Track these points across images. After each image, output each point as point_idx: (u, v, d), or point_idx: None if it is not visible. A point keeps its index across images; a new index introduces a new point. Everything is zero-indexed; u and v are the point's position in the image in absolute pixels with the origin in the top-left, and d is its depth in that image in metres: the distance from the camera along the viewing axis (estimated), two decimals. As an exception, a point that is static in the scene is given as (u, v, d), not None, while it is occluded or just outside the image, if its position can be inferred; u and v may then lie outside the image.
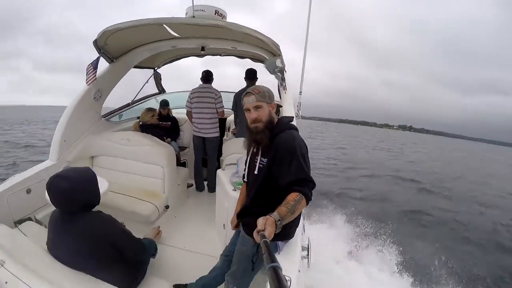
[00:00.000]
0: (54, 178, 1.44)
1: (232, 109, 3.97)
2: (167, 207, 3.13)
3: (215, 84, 4.03)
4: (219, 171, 3.04)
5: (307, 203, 1.32)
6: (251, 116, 1.53)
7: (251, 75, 3.75)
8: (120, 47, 2.97)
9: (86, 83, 2.77)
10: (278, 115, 1.79)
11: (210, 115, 3.87)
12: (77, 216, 1.49)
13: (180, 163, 4.21)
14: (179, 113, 4.82)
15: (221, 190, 2.80)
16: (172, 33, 2.68)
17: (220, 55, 4.27)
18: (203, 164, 4.14)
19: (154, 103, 4.67)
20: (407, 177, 13.42)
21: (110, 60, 3.02)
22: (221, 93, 3.95)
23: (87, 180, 1.53)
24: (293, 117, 1.81)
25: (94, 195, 1.57)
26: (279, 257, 0.94)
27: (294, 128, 1.61)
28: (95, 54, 2.79)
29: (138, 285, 1.77)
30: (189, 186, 4.19)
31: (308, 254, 1.71)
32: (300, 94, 2.63)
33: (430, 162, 21.84)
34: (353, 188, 10.05)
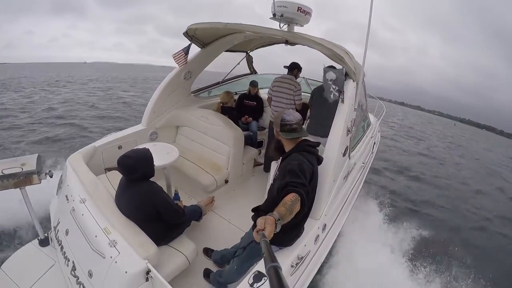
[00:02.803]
0: (122, 157, 1.95)
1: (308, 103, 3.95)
2: (226, 181, 3.49)
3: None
4: (273, 162, 3.19)
5: (302, 205, 1.37)
6: None
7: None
8: (209, 36, 3.32)
9: (178, 65, 3.25)
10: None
11: (287, 105, 3.94)
12: (135, 183, 2.00)
13: (257, 142, 4.52)
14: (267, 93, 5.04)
15: (268, 180, 2.97)
16: (249, 32, 2.83)
17: (309, 45, 4.19)
18: None
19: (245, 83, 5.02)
20: None
21: (202, 45, 3.42)
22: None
23: (144, 159, 2.01)
24: (319, 143, 1.81)
25: (149, 169, 2.05)
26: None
27: (308, 152, 1.71)
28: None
29: (171, 241, 2.22)
30: (259, 164, 4.48)
31: (298, 264, 1.78)
32: (355, 111, 2.43)
33: None
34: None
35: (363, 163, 3.53)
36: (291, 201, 1.30)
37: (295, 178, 1.45)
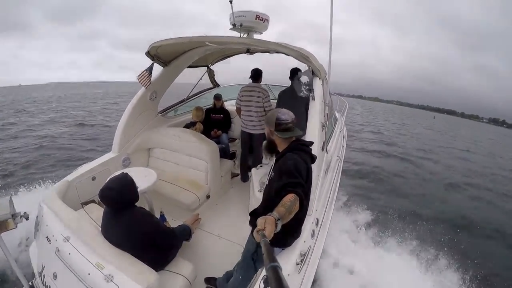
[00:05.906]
0: (103, 190, 1.86)
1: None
2: (208, 196, 3.44)
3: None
4: (253, 169, 3.20)
5: (301, 205, 1.38)
6: None
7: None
8: (171, 53, 3.30)
9: (144, 87, 3.17)
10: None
11: (257, 113, 3.98)
12: (122, 212, 1.90)
13: (230, 154, 4.50)
14: (233, 105, 4.91)
15: (251, 188, 2.97)
16: (212, 45, 2.86)
17: (269, 52, 4.30)
18: (250, 151, 4.29)
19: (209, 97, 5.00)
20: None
21: (164, 64, 3.38)
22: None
23: (126, 186, 1.93)
24: (312, 142, 1.86)
25: (133, 195, 1.97)
26: None
27: (302, 151, 1.71)
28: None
29: (167, 264, 2.12)
30: (236, 175, 4.46)
31: (303, 261, 1.80)
32: (327, 105, 2.56)
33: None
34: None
35: (338, 156, 3.68)
36: (290, 201, 1.31)
37: (292, 178, 1.46)
